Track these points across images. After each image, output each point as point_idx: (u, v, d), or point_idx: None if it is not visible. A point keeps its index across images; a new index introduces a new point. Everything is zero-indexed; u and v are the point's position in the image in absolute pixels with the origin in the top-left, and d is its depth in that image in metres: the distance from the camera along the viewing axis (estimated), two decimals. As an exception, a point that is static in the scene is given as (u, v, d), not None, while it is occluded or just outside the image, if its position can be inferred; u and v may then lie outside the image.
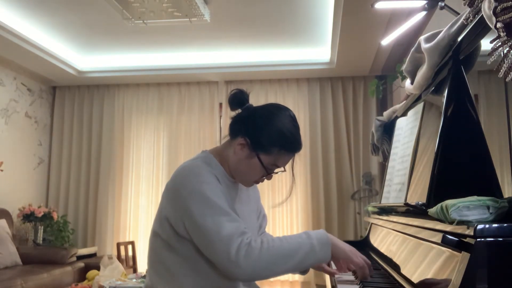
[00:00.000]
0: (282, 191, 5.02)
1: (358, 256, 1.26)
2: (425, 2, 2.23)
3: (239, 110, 1.38)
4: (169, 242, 1.29)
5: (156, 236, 1.33)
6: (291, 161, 1.37)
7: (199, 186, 1.24)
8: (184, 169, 1.31)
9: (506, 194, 1.26)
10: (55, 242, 4.89)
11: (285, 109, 1.37)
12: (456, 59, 1.44)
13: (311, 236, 1.22)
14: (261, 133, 1.31)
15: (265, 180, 1.40)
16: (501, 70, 0.92)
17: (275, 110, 1.35)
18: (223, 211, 1.21)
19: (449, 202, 1.04)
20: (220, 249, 1.17)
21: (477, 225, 0.90)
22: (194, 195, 1.23)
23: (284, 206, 5.04)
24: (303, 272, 1.35)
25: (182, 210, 1.24)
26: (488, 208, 0.97)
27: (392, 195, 1.83)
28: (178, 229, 1.26)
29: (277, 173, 1.39)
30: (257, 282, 1.49)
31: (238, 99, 1.37)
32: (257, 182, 1.40)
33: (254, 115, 1.35)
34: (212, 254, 1.20)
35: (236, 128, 1.36)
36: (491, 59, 0.95)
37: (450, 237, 1.01)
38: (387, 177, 2.03)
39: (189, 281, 1.28)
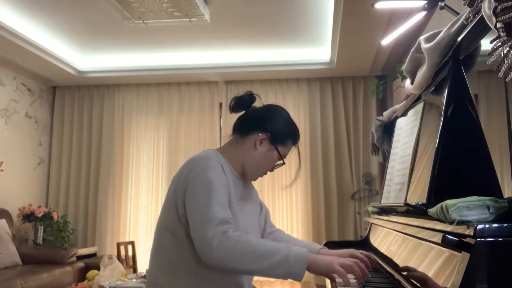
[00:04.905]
0: (282, 194, 5.03)
1: (337, 265, 1.23)
2: (425, 2, 2.22)
3: (242, 112, 1.52)
4: (175, 233, 1.34)
5: (161, 230, 1.38)
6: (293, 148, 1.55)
7: (204, 170, 1.33)
8: (192, 158, 1.42)
9: (506, 194, 1.26)
10: (55, 242, 4.89)
11: (283, 108, 1.57)
12: (456, 59, 1.44)
13: (290, 249, 1.24)
14: (279, 128, 1.48)
15: (265, 179, 1.48)
16: (501, 70, 0.92)
17: (279, 109, 1.54)
18: (218, 197, 1.28)
19: (449, 202, 1.04)
20: (199, 229, 1.24)
21: (477, 225, 0.90)
22: (198, 177, 1.32)
23: (284, 206, 5.04)
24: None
25: (184, 188, 1.32)
26: (488, 208, 0.97)
27: (392, 195, 1.83)
28: (181, 210, 1.33)
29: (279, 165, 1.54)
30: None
31: (245, 102, 1.51)
32: (265, 174, 1.53)
33: (267, 113, 1.50)
34: (192, 232, 1.27)
35: (250, 127, 1.48)
36: (491, 59, 0.95)
37: (450, 237, 1.01)
38: (387, 177, 2.03)
39: (192, 274, 1.30)
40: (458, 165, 1.32)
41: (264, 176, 1.56)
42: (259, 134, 1.46)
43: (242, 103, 1.51)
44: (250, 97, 1.51)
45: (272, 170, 1.52)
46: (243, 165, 1.47)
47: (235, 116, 1.55)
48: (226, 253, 1.20)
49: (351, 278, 1.58)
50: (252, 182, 1.60)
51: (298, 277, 1.23)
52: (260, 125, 1.47)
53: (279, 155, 1.47)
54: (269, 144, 1.46)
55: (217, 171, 1.34)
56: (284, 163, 1.50)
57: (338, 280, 1.55)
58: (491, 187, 1.25)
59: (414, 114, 1.80)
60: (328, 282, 1.63)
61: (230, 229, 1.23)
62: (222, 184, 1.33)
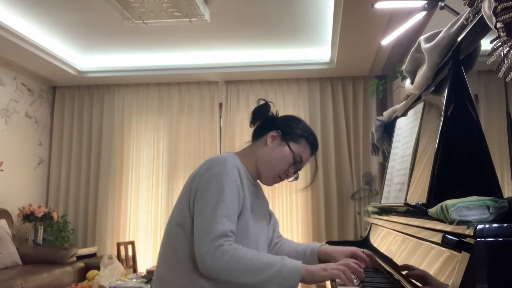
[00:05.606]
0: (282, 194, 5.03)
1: (329, 269, 1.27)
2: (425, 2, 2.22)
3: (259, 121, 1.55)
4: (186, 228, 1.35)
5: (172, 225, 1.39)
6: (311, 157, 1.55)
7: (220, 175, 1.33)
8: (211, 158, 1.42)
9: (506, 194, 1.26)
10: (55, 242, 4.89)
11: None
12: (456, 59, 1.44)
13: (284, 262, 1.26)
14: (291, 125, 1.51)
15: (266, 187, 1.48)
16: (501, 70, 0.92)
17: (295, 116, 1.59)
18: (227, 206, 1.29)
19: (449, 202, 1.04)
20: (198, 239, 1.27)
21: (477, 225, 0.90)
22: (211, 180, 1.32)
23: (284, 206, 5.04)
24: None
25: (197, 189, 1.34)
26: (488, 208, 0.97)
27: (392, 195, 1.83)
28: (192, 209, 1.34)
29: (296, 173, 1.50)
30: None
31: (260, 111, 1.55)
32: (280, 179, 1.51)
33: (281, 116, 1.56)
34: (194, 237, 1.29)
35: (263, 129, 1.52)
36: (491, 59, 0.95)
37: (450, 237, 1.01)
38: (387, 177, 2.03)
39: (198, 272, 1.30)
40: (458, 165, 1.32)
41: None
42: (272, 132, 1.49)
43: (259, 113, 1.54)
44: (264, 105, 1.55)
45: (288, 175, 1.49)
46: (256, 165, 1.48)
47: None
48: (219, 267, 1.23)
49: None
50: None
51: None
52: (273, 125, 1.51)
53: (292, 152, 1.45)
54: (281, 140, 1.48)
55: (233, 178, 1.34)
56: (298, 161, 1.47)
57: (338, 280, 1.55)
58: (491, 187, 1.25)
59: (414, 114, 1.80)
60: (328, 282, 1.63)
61: (227, 243, 1.25)
62: (235, 192, 1.33)
